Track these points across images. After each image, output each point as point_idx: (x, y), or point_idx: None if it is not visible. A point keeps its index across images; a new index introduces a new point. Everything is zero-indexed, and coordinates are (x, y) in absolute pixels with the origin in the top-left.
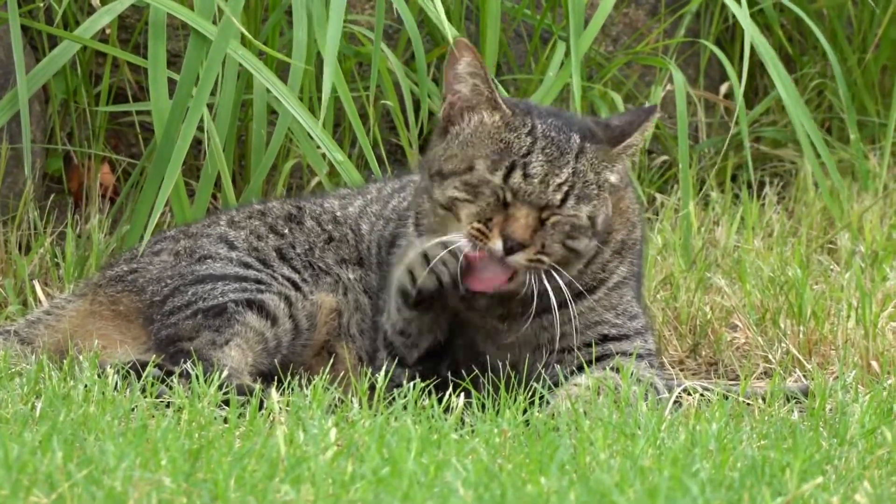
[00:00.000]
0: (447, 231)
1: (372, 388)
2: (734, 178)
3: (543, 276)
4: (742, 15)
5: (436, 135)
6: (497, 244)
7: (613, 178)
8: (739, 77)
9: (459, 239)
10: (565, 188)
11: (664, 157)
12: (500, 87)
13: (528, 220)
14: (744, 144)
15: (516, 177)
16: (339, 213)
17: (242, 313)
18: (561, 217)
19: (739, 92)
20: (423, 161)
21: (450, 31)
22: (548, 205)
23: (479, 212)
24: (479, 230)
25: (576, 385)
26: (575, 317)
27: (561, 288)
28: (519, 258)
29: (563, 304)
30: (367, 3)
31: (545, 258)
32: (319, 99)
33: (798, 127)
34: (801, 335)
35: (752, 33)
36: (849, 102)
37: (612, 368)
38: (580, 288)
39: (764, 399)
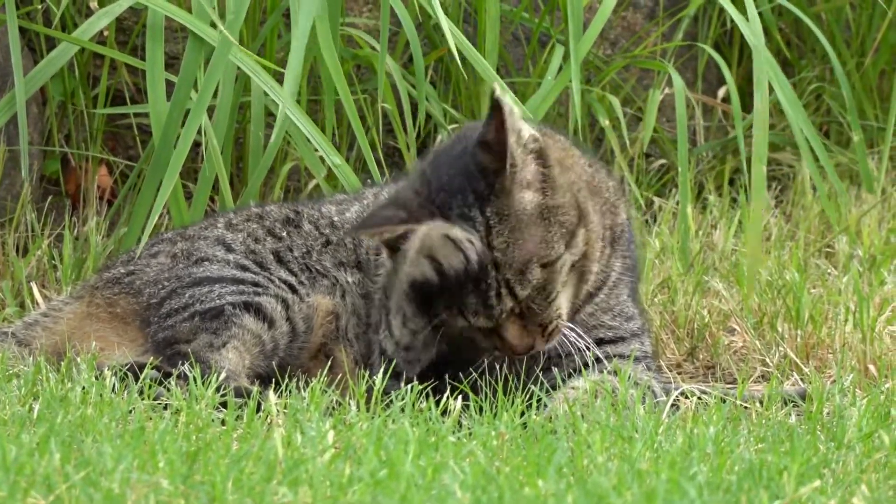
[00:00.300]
0: None
1: (369, 390)
2: (732, 182)
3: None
4: (743, 22)
5: (389, 254)
6: (510, 354)
7: (527, 195)
8: (736, 81)
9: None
10: (503, 289)
11: (662, 161)
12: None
13: (513, 332)
14: (740, 149)
15: (469, 318)
16: (336, 219)
17: (239, 316)
18: (524, 302)
19: (735, 97)
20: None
21: (449, 33)
22: (512, 309)
23: (469, 330)
24: (486, 345)
25: (573, 388)
26: (577, 330)
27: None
28: (539, 349)
29: (575, 313)
30: (365, 6)
31: (554, 323)
32: (318, 101)
33: (797, 131)
34: (798, 339)
35: (755, 42)
36: (851, 105)
37: (609, 371)
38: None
39: (761, 402)
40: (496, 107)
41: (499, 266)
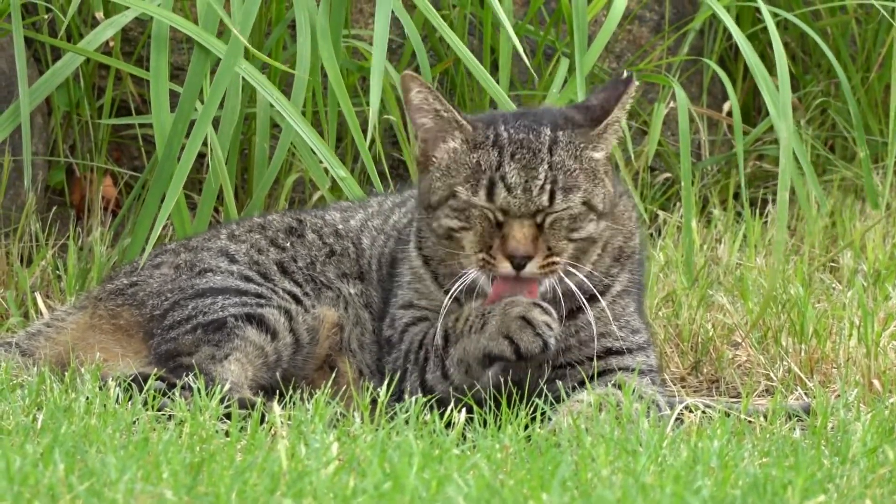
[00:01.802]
0: (458, 259)
1: (374, 402)
2: (737, 196)
3: (563, 276)
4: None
5: (419, 171)
6: (505, 266)
7: (597, 154)
8: (741, 95)
9: (474, 273)
10: (548, 186)
11: (667, 175)
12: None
13: (524, 232)
14: (739, 167)
15: (499, 194)
16: (340, 227)
17: (242, 328)
18: (555, 215)
19: (738, 112)
20: (416, 196)
21: (456, 44)
22: (538, 209)
23: (478, 240)
24: (485, 260)
25: (578, 401)
26: (592, 322)
27: (584, 284)
28: (530, 269)
29: (595, 298)
30: (370, 18)
31: (557, 258)
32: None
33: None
34: (802, 353)
35: (752, 61)
36: (858, 121)
37: (614, 385)
38: (593, 290)
39: (766, 417)
40: (625, 82)
41: (552, 167)
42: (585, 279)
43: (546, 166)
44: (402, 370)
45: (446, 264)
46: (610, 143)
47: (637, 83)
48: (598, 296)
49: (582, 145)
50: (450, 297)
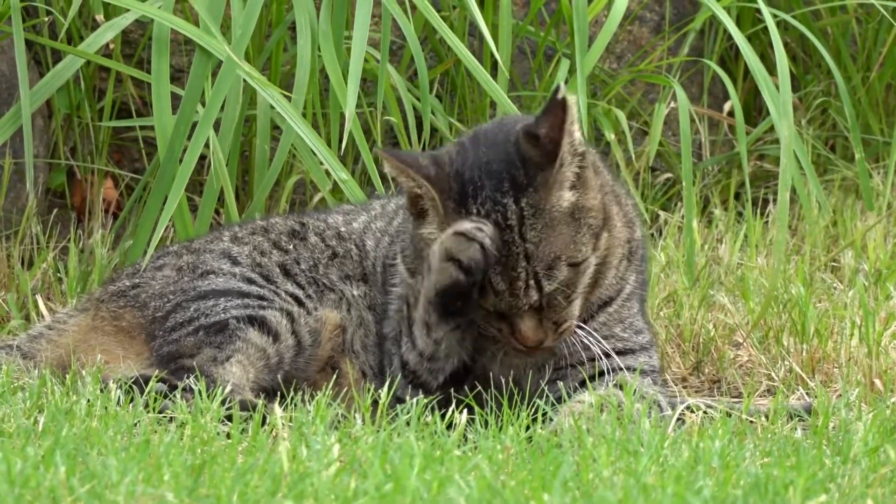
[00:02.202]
0: None
1: (375, 403)
2: (738, 196)
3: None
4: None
5: (411, 215)
6: (519, 346)
7: (566, 193)
8: (742, 95)
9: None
10: (532, 283)
11: (668, 175)
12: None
13: (527, 325)
14: (743, 166)
15: (489, 297)
16: (343, 229)
17: (244, 330)
18: (549, 295)
19: (740, 112)
20: (410, 235)
21: (456, 45)
22: (531, 305)
23: (483, 316)
24: (496, 333)
25: (579, 402)
26: (591, 332)
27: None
28: (547, 345)
29: (587, 321)
30: (370, 20)
31: (567, 323)
32: (325, 115)
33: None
34: (804, 353)
35: (752, 62)
36: (854, 122)
37: (615, 385)
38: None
39: (767, 417)
40: (561, 105)
41: (529, 258)
42: (606, 289)
43: (524, 262)
44: (388, 358)
45: None
46: (571, 172)
47: (572, 99)
48: (604, 307)
49: (543, 201)
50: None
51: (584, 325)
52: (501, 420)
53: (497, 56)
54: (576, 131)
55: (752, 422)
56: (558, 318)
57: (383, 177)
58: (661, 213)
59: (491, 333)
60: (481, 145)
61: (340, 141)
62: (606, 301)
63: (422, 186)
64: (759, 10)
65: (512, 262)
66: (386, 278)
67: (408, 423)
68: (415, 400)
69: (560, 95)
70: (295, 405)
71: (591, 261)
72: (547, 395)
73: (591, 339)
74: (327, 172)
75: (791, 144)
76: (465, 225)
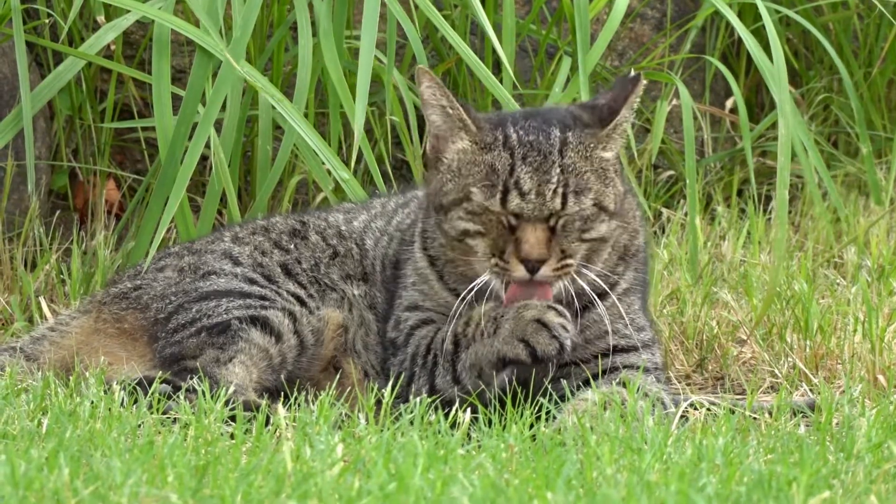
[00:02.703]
0: (469, 262)
1: (378, 403)
2: (740, 193)
3: (576, 276)
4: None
5: (430, 168)
6: (520, 271)
7: (606, 154)
8: (744, 92)
9: (487, 277)
10: (560, 190)
11: (670, 172)
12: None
13: (537, 236)
14: (748, 162)
15: (512, 199)
16: (343, 228)
17: (246, 330)
18: (568, 217)
19: (743, 108)
20: (425, 194)
21: (458, 44)
22: (551, 213)
23: (491, 244)
24: (499, 265)
25: (582, 400)
26: (605, 316)
27: (595, 283)
28: (545, 273)
29: (602, 296)
30: None
31: (570, 260)
32: (326, 114)
33: (801, 153)
34: (807, 349)
35: (756, 54)
36: (860, 116)
37: (618, 383)
38: (603, 286)
39: (770, 413)
40: (632, 81)
41: (564, 171)
42: (597, 278)
43: (558, 170)
44: (408, 373)
45: (455, 265)
46: (618, 143)
47: (644, 82)
48: (609, 291)
49: (591, 146)
50: (461, 301)
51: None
52: (505, 418)
53: (501, 55)
54: (631, 117)
55: (755, 418)
56: (566, 247)
57: (386, 175)
58: (664, 210)
59: (492, 270)
60: (529, 113)
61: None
62: (601, 292)
63: (454, 108)
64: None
65: (546, 168)
66: (386, 278)
67: (411, 423)
68: (418, 399)
69: (634, 73)
70: (298, 405)
71: (612, 222)
72: (550, 394)
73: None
74: (329, 172)
75: (788, 142)
76: (553, 318)
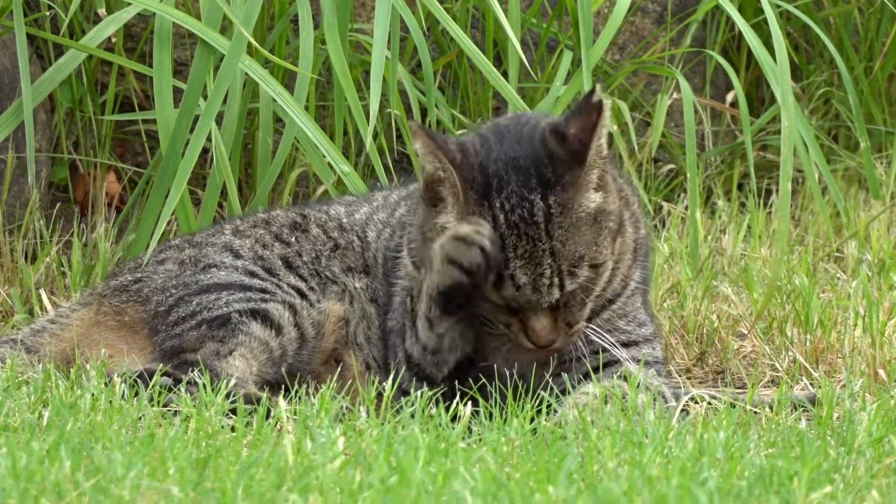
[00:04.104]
0: None
1: (379, 396)
2: (741, 187)
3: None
4: (755, 40)
5: (423, 201)
6: (528, 344)
7: (592, 195)
8: (745, 85)
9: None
10: (556, 280)
11: (671, 166)
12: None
13: (542, 323)
14: (748, 156)
15: (507, 289)
16: (345, 220)
17: (246, 323)
18: (575, 295)
19: (744, 101)
20: (418, 216)
21: (459, 37)
22: (549, 304)
23: (493, 311)
24: (507, 334)
25: (583, 393)
26: (597, 329)
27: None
28: (556, 346)
29: (592, 318)
30: (374, 12)
31: (578, 326)
32: (327, 106)
33: (800, 145)
34: (808, 343)
35: (756, 48)
36: (858, 112)
37: (619, 376)
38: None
39: (771, 407)
40: (596, 108)
41: (555, 255)
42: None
43: (549, 258)
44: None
45: None
46: (601, 174)
47: (608, 103)
48: (609, 304)
49: (573, 201)
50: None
51: (589, 325)
52: (506, 412)
53: (517, 45)
54: (604, 136)
55: (756, 413)
56: (572, 318)
57: (387, 168)
58: (665, 204)
59: (499, 331)
60: (505, 139)
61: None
62: (611, 298)
63: (446, 170)
64: (760, 0)
65: (537, 258)
66: (388, 270)
67: (412, 416)
68: (419, 392)
69: (595, 98)
70: (299, 398)
71: (608, 264)
72: (551, 387)
73: (597, 335)
74: (330, 165)
75: (791, 135)
76: (464, 229)
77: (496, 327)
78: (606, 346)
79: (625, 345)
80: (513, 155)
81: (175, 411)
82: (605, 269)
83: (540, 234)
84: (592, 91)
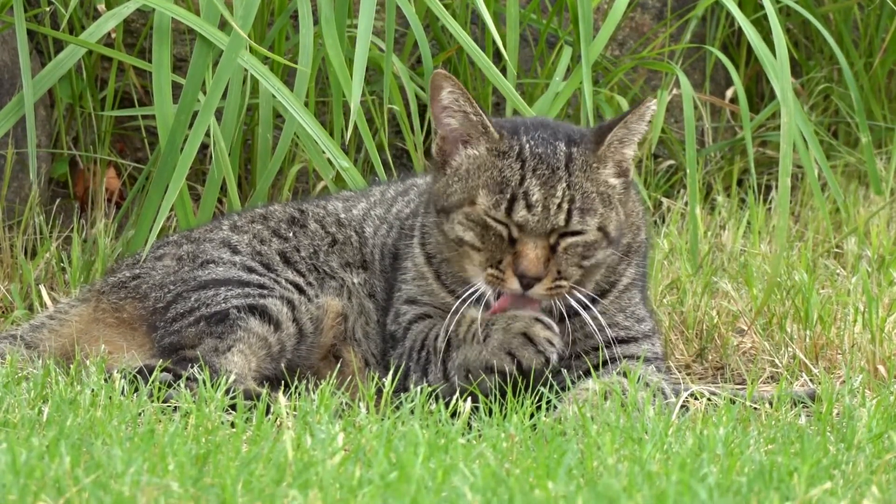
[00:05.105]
0: (464, 266)
1: (379, 392)
2: (740, 183)
3: (566, 296)
4: (754, 35)
5: (434, 170)
6: (514, 284)
7: (612, 179)
8: (744, 81)
9: (481, 286)
10: (566, 206)
11: (670, 162)
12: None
13: (536, 253)
14: (748, 152)
15: (518, 209)
16: (342, 216)
17: (245, 319)
18: (570, 239)
19: (744, 97)
20: (427, 194)
21: (459, 33)
22: (553, 228)
23: (489, 255)
24: (494, 276)
25: (583, 389)
26: (590, 322)
27: (583, 300)
28: (537, 290)
29: (604, 293)
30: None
31: (563, 283)
32: (326, 102)
33: (800, 142)
34: (807, 339)
35: (756, 43)
36: (859, 106)
37: (619, 373)
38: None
39: (771, 403)
40: (640, 104)
41: (571, 187)
42: (589, 292)
43: (564, 185)
44: (405, 366)
45: (450, 265)
46: (621, 166)
47: (653, 107)
48: (600, 297)
49: (594, 165)
50: (459, 303)
51: (591, 307)
52: (506, 408)
53: (501, 48)
54: (631, 135)
55: (755, 409)
56: (562, 268)
57: (386, 164)
58: (664, 200)
59: (487, 279)
60: (531, 120)
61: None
62: (602, 291)
63: (477, 114)
64: None
65: (553, 183)
66: (385, 267)
67: (412, 412)
68: (419, 388)
69: (651, 103)
70: (299, 394)
71: (606, 249)
72: (551, 383)
73: (597, 323)
74: (329, 161)
75: (791, 131)
76: (539, 332)
77: (486, 274)
78: (604, 337)
79: (624, 341)
80: (543, 123)
81: (175, 407)
82: (605, 245)
83: (559, 166)
84: (650, 100)
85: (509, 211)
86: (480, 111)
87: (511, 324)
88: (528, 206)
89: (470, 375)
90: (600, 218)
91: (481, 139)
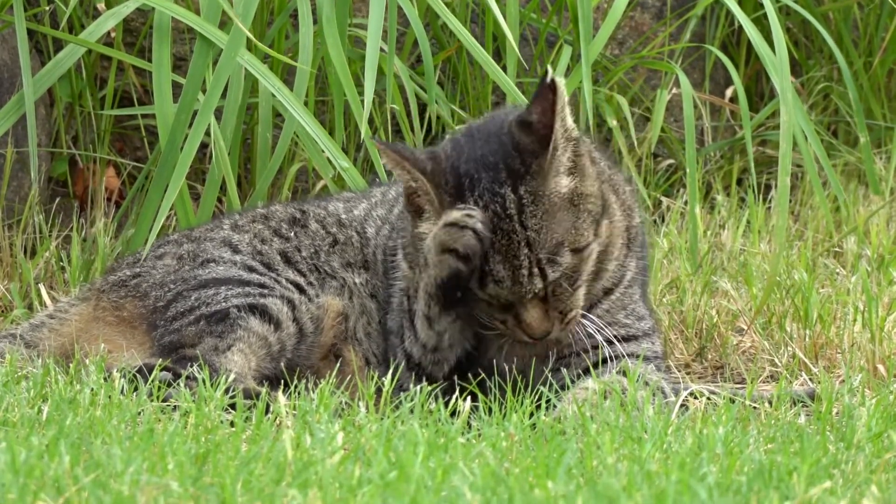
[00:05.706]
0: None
1: (379, 391)
2: (740, 182)
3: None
4: (755, 32)
5: (407, 212)
6: (525, 338)
7: (564, 180)
8: (744, 80)
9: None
10: (536, 270)
11: (670, 161)
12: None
13: (533, 314)
14: (748, 151)
15: (490, 286)
16: (343, 216)
17: (245, 318)
18: (561, 282)
19: (743, 96)
20: (409, 232)
21: (459, 31)
22: (535, 293)
23: (486, 312)
24: (500, 326)
25: (583, 388)
26: (595, 320)
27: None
28: (553, 336)
29: (590, 309)
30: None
31: (573, 313)
32: (326, 101)
33: (801, 142)
34: (807, 339)
35: (756, 41)
36: (858, 107)
37: (618, 372)
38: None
39: (770, 403)
40: (551, 88)
41: (531, 245)
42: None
43: (526, 249)
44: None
45: None
46: (568, 153)
47: (561, 81)
48: (613, 289)
49: (543, 187)
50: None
51: (588, 314)
52: (505, 407)
53: (512, 42)
54: (567, 116)
55: (755, 408)
56: (564, 307)
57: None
58: (664, 199)
59: (495, 328)
60: (475, 139)
61: (412, 121)
62: (609, 289)
63: (417, 180)
64: None
65: (514, 251)
66: (387, 268)
67: (411, 411)
68: (418, 388)
69: (549, 79)
70: (298, 393)
71: (593, 247)
72: (550, 383)
73: (595, 327)
74: (329, 161)
75: (791, 130)
76: (455, 214)
77: (494, 325)
78: (603, 338)
79: (624, 339)
80: (482, 153)
81: (174, 406)
82: (589, 253)
83: (514, 227)
84: (546, 74)
85: (484, 287)
86: (422, 180)
87: (436, 232)
88: (497, 283)
89: (430, 317)
90: (568, 244)
91: (433, 212)
